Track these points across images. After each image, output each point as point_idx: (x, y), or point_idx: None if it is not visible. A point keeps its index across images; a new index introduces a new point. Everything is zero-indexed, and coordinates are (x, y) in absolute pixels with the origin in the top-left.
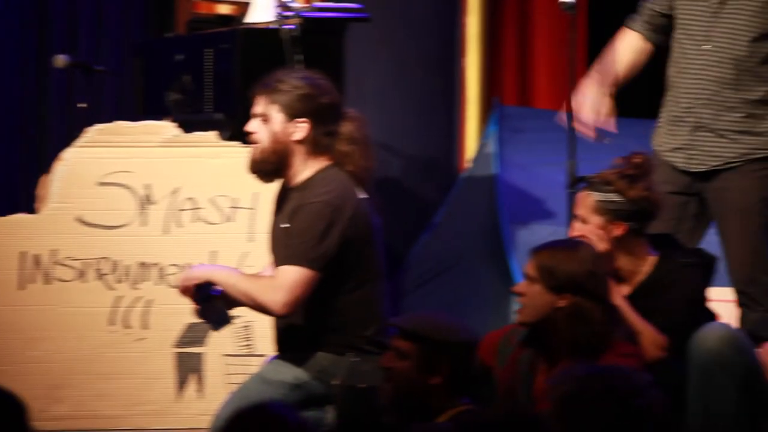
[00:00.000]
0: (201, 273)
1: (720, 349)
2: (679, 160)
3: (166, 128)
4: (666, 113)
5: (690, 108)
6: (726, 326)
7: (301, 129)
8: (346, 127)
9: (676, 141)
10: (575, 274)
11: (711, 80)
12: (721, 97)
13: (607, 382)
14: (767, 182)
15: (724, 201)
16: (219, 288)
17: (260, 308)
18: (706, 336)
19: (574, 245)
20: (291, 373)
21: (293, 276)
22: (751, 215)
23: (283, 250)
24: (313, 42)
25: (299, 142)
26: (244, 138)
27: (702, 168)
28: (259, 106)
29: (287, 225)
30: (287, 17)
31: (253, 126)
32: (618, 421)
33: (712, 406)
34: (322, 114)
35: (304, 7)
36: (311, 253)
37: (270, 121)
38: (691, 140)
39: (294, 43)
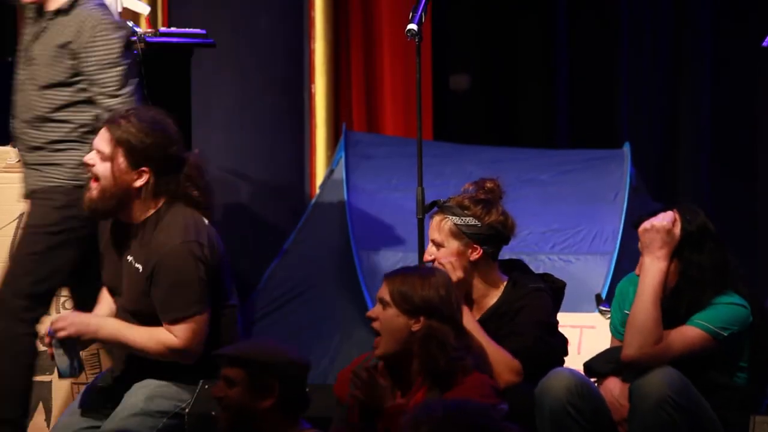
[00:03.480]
0: (85, 328)
1: (567, 398)
2: None
3: (9, 154)
4: None
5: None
6: (570, 373)
7: (143, 177)
8: (187, 171)
9: None
10: (429, 298)
11: (20, 121)
12: (27, 137)
13: (467, 420)
14: (50, 211)
15: None
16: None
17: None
18: (551, 385)
19: (426, 271)
20: (168, 402)
21: (192, 327)
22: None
23: (171, 305)
24: (158, 66)
25: (139, 188)
26: None
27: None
28: (104, 143)
29: (140, 267)
30: (132, 42)
31: (92, 158)
32: None
33: None
34: (166, 164)
35: (148, 32)
36: (196, 297)
37: (113, 162)
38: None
39: (139, 68)
